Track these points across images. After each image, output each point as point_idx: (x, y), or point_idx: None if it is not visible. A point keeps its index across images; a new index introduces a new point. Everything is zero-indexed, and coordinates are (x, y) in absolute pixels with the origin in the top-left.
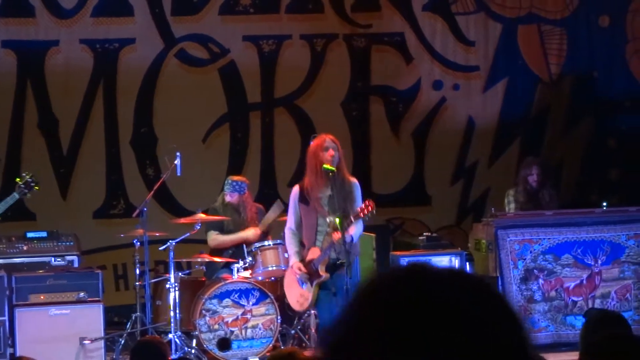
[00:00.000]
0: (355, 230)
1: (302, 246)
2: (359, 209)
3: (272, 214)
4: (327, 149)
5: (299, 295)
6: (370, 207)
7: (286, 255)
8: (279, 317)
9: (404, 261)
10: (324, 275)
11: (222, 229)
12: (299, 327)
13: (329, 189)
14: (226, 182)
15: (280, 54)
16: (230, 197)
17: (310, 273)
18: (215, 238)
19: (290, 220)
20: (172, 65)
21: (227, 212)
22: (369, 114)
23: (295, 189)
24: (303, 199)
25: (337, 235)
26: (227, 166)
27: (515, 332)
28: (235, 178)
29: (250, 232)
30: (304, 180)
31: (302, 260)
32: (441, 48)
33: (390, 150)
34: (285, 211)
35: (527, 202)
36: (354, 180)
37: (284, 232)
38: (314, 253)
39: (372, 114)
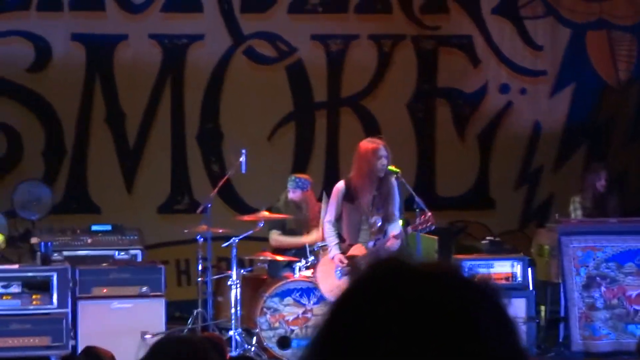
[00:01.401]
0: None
1: (341, 239)
2: (417, 222)
3: None
4: (381, 158)
5: (334, 285)
6: (429, 222)
7: None
8: None
9: (466, 265)
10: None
11: (284, 227)
12: None
13: (375, 190)
14: (289, 179)
15: (347, 53)
16: (293, 194)
17: (352, 268)
18: (276, 238)
19: (332, 214)
20: (240, 62)
21: (289, 210)
22: (435, 116)
23: (341, 185)
24: (349, 197)
25: (392, 240)
26: (291, 164)
27: (508, 341)
28: (299, 175)
29: (312, 238)
30: (349, 178)
31: (343, 253)
32: (509, 52)
33: (455, 153)
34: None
35: (594, 208)
36: (394, 180)
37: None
38: (358, 250)
39: (438, 116)
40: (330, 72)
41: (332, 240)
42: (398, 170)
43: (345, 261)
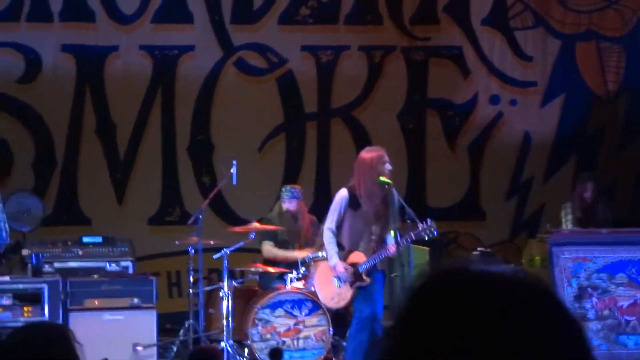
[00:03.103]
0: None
1: (340, 247)
2: (420, 228)
3: None
4: (386, 163)
5: (334, 293)
6: (432, 228)
7: None
8: (330, 329)
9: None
10: (367, 280)
11: (276, 238)
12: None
13: (378, 198)
14: (284, 189)
15: (338, 64)
16: (289, 204)
17: (353, 275)
18: (269, 250)
19: (332, 221)
20: (230, 74)
21: (283, 221)
22: (425, 127)
23: (344, 192)
24: (353, 204)
25: (393, 249)
26: (282, 176)
27: (574, 339)
28: (293, 185)
29: (304, 254)
30: (352, 186)
31: (343, 260)
32: (499, 62)
33: (445, 164)
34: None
35: (583, 217)
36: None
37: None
38: (358, 257)
39: (429, 126)
40: (320, 83)
41: (332, 247)
42: (389, 181)
43: (351, 269)
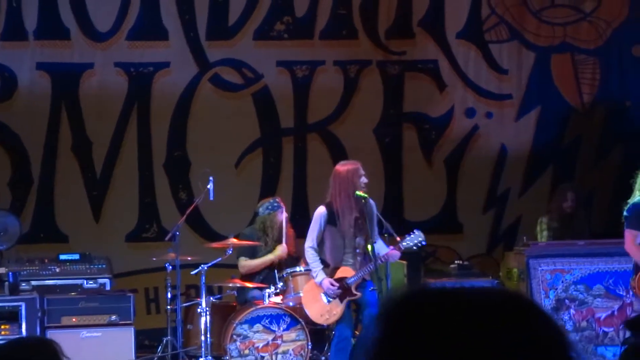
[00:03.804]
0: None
1: (324, 264)
2: (408, 239)
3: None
4: (362, 176)
5: (324, 310)
6: (420, 238)
7: None
8: (309, 343)
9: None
10: (357, 294)
11: (254, 254)
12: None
13: (356, 211)
14: (272, 203)
15: (313, 79)
16: (281, 215)
17: (343, 290)
18: (244, 264)
19: (313, 239)
20: (206, 90)
21: (270, 233)
22: (402, 141)
23: (322, 209)
24: (331, 220)
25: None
26: (259, 191)
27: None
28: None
29: (278, 251)
30: (330, 202)
31: (329, 277)
32: (474, 76)
33: (422, 178)
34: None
35: (561, 228)
36: (371, 200)
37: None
38: (345, 272)
39: (405, 140)
40: (296, 98)
41: (316, 265)
42: (365, 195)
43: (336, 284)
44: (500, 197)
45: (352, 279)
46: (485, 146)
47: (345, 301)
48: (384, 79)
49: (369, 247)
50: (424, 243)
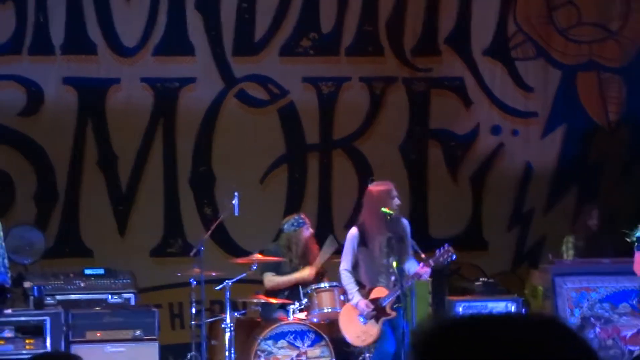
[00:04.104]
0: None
1: (360, 286)
2: (437, 254)
3: (326, 251)
4: (394, 198)
5: (360, 331)
6: (449, 252)
7: (342, 297)
8: (333, 359)
9: (459, 306)
10: (392, 313)
11: (278, 270)
12: None
13: (388, 231)
14: (297, 220)
15: (339, 95)
16: (306, 232)
17: (377, 310)
18: (271, 279)
19: (347, 262)
20: (232, 105)
21: (294, 250)
22: (427, 158)
23: (354, 231)
24: (363, 241)
25: (423, 272)
26: (284, 207)
27: None
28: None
29: (306, 273)
30: (362, 222)
31: (365, 298)
32: (500, 93)
33: (447, 194)
34: (339, 250)
35: (587, 247)
36: (405, 220)
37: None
38: (380, 292)
39: (430, 157)
40: (322, 115)
41: (352, 287)
42: (391, 212)
43: (372, 305)
44: (525, 214)
45: (386, 299)
46: (511, 163)
47: (381, 321)
48: (409, 95)
49: (394, 263)
50: (454, 258)
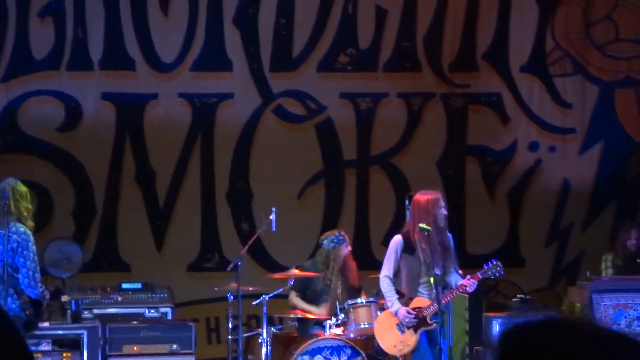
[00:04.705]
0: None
1: (400, 295)
2: (485, 268)
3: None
4: (442, 207)
5: (397, 340)
6: (498, 267)
7: (378, 313)
8: None
9: (496, 323)
10: (433, 324)
11: (304, 291)
12: None
13: (433, 242)
14: (337, 237)
15: (376, 111)
16: (345, 250)
17: (418, 320)
18: (293, 300)
19: (389, 269)
20: (269, 121)
21: (331, 267)
22: (465, 174)
23: (398, 238)
24: (407, 249)
25: (464, 287)
26: (321, 223)
27: None
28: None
29: (323, 311)
30: (407, 230)
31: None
32: (538, 109)
33: (485, 211)
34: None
35: (625, 266)
36: (449, 233)
37: (377, 290)
38: (420, 302)
39: (468, 173)
40: (359, 130)
41: (391, 294)
42: (429, 227)
43: (413, 312)
44: (562, 231)
45: (430, 309)
46: (548, 180)
47: (419, 331)
48: (447, 111)
49: (432, 279)
50: (502, 272)
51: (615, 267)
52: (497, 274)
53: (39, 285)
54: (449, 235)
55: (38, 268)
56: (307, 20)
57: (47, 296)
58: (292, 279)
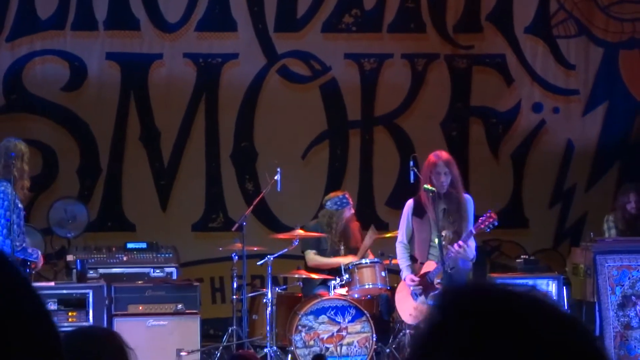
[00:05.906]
0: (470, 248)
1: (413, 260)
2: (480, 221)
3: (368, 241)
4: (439, 174)
5: (412, 308)
6: (492, 219)
7: (383, 274)
8: (374, 335)
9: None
10: (440, 287)
11: (319, 247)
12: (394, 345)
13: (442, 203)
14: (341, 199)
15: (381, 72)
16: (348, 212)
17: (425, 286)
18: (313, 258)
19: (402, 234)
20: (274, 81)
21: (334, 228)
22: (469, 135)
23: (410, 202)
24: (418, 212)
25: (456, 247)
26: (325, 183)
27: None
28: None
29: (348, 260)
30: (419, 194)
31: (415, 273)
32: (542, 71)
33: (488, 172)
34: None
35: (626, 229)
36: (468, 196)
37: (381, 251)
38: (429, 266)
39: (472, 134)
40: (364, 91)
41: (403, 261)
42: (433, 188)
43: (416, 279)
44: (566, 192)
45: (434, 273)
46: (552, 141)
47: (430, 297)
48: (451, 72)
49: (436, 240)
50: (496, 224)
51: (617, 228)
52: (492, 226)
53: (17, 244)
54: (467, 197)
55: (23, 228)
56: None
57: (37, 258)
58: (297, 239)
